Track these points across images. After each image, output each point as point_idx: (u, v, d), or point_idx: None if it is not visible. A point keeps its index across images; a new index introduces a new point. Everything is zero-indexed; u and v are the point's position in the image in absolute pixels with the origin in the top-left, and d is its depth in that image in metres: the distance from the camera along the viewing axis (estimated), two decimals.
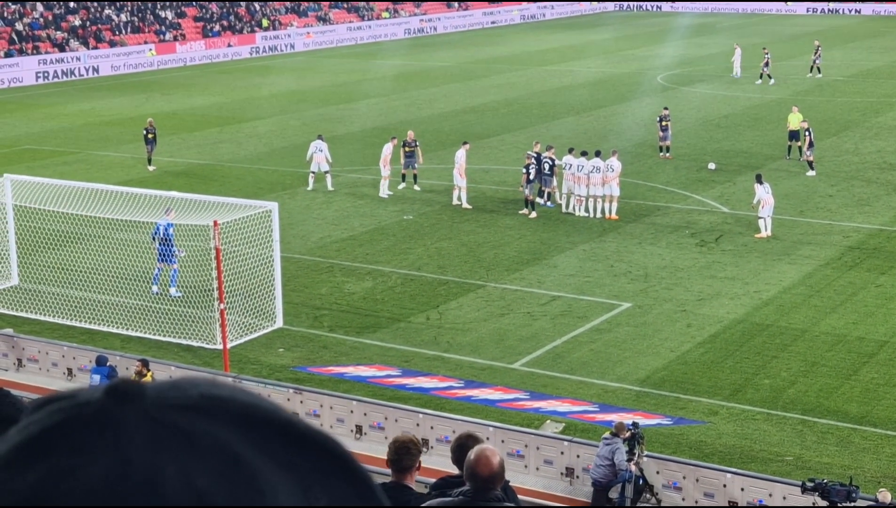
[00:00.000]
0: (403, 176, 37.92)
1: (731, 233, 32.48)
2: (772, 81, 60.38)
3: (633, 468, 17.79)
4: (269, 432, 1.15)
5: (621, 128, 48.43)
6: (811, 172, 39.18)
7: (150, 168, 41.94)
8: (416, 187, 37.67)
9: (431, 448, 19.78)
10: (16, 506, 1.07)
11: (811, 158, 39.47)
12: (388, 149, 36.95)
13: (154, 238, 27.59)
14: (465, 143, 37.20)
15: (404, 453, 8.94)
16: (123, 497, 1.06)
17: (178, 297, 27.12)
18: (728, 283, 28.30)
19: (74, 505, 1.06)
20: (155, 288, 27.77)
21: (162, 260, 27.57)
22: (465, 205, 35.51)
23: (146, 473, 1.08)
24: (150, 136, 41.98)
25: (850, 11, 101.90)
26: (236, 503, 1.09)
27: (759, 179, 32.74)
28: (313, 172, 38.39)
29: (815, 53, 62.90)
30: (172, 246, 27.25)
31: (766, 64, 60.50)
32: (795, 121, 41.35)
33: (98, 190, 28.17)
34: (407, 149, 37.60)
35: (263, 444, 1.14)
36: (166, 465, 1.08)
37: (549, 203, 35.46)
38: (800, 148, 40.55)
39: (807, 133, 39.61)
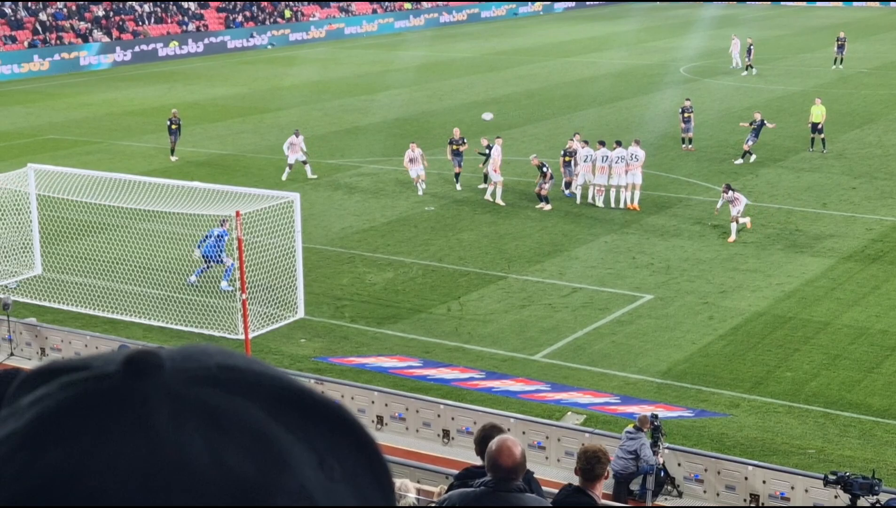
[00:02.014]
0: (457, 176, 36.91)
1: (753, 225, 32.33)
2: (754, 70, 61.01)
3: (661, 460, 17.77)
4: (285, 402, 1.14)
5: (643, 119, 48.30)
6: (739, 161, 39.78)
7: (173, 158, 42.04)
8: (458, 187, 36.96)
9: (452, 438, 19.82)
10: (42, 487, 1.04)
11: (748, 148, 39.87)
12: (408, 155, 36.19)
13: (200, 245, 27.45)
14: (497, 137, 36.54)
15: (595, 462, 9.09)
16: (154, 475, 1.04)
17: (229, 291, 26.73)
18: (750, 275, 28.21)
19: (104, 485, 1.04)
20: (193, 278, 27.62)
21: (211, 260, 27.44)
22: (499, 201, 34.99)
23: (174, 450, 1.05)
24: (173, 126, 42.08)
25: (875, 3, 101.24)
26: (266, 478, 1.07)
27: (728, 188, 31.62)
28: (290, 165, 38.21)
29: (839, 44, 62.67)
30: (222, 252, 27.17)
31: (749, 54, 61.12)
32: (818, 113, 41.19)
33: (121, 180, 28.27)
34: (454, 147, 36.70)
35: (281, 415, 1.12)
36: (193, 442, 1.06)
37: (567, 191, 35.37)
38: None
39: (754, 123, 40.12)
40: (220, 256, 27.24)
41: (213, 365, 1.14)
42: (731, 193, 31.18)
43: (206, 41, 78.16)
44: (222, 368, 1.14)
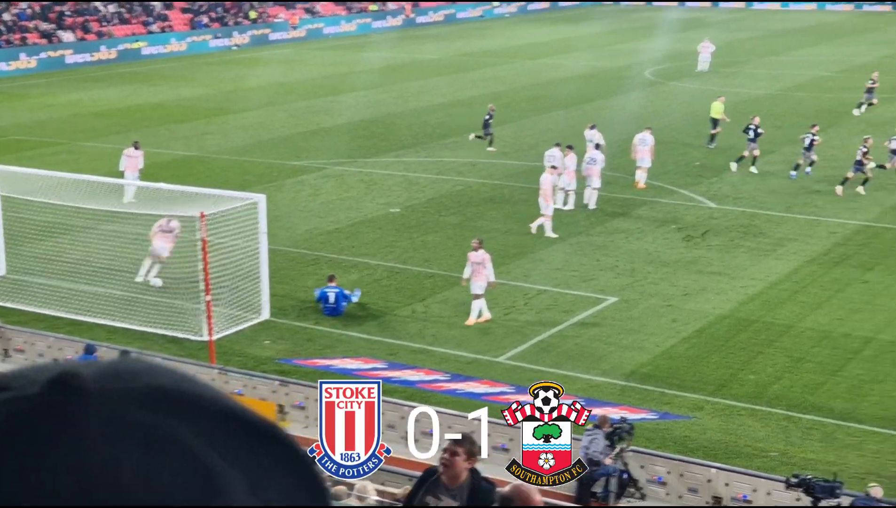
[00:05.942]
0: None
1: (717, 228, 32.51)
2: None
3: (608, 461, 17.80)
4: (216, 423, 1.12)
5: (611, 122, 48.36)
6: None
7: (490, 149, 42.36)
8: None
9: (417, 441, 19.76)
10: None
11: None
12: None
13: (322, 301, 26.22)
14: (553, 167, 33.23)
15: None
16: (86, 499, 1.02)
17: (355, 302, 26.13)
18: (714, 278, 28.33)
19: (37, 506, 1.02)
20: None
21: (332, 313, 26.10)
22: (550, 233, 31.70)
23: (106, 472, 1.03)
24: (490, 120, 42.72)
25: (849, 6, 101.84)
26: (196, 501, 1.05)
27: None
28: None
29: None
30: (348, 297, 26.11)
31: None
32: (717, 109, 43.11)
33: (85, 181, 28.10)
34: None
35: (211, 437, 1.10)
36: (124, 463, 1.04)
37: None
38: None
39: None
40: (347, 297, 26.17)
41: (140, 385, 1.11)
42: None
43: (170, 42, 77.74)
44: (150, 388, 1.11)
